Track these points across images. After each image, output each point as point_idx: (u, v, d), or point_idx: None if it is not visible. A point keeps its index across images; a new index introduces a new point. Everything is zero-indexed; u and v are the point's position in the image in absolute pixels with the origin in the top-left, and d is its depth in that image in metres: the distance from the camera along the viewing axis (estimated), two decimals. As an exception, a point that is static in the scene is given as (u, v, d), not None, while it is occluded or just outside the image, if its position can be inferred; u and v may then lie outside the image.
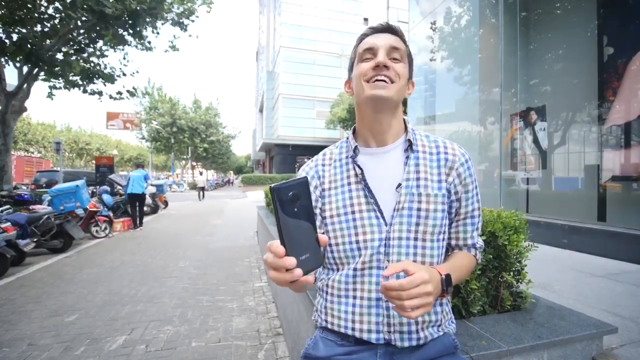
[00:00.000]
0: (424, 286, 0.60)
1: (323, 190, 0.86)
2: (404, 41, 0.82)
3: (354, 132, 0.89)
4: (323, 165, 0.89)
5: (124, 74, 9.57)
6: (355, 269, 0.78)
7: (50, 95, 8.95)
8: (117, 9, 7.33)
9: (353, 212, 0.79)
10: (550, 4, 5.07)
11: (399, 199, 0.77)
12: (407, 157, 0.81)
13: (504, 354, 1.05)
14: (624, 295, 2.38)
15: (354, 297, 0.79)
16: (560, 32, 4.92)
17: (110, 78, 9.09)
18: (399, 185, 0.78)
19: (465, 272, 0.82)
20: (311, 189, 0.87)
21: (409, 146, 0.81)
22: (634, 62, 3.77)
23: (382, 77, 0.75)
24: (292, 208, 0.51)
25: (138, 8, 7.82)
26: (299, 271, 0.50)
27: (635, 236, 3.29)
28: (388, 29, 0.80)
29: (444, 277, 0.65)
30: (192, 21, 10.10)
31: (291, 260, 0.49)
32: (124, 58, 9.85)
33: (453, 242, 0.85)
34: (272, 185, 0.50)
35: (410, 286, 0.59)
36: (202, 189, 18.94)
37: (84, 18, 7.60)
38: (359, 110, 0.85)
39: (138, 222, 7.78)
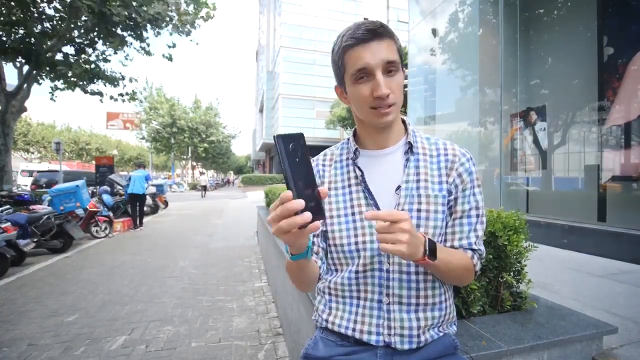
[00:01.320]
0: (405, 223, 0.60)
1: None
2: (391, 36, 0.73)
3: (354, 134, 0.88)
4: (324, 165, 0.89)
5: (123, 78, 9.57)
6: (357, 272, 0.78)
7: (52, 97, 8.98)
8: (119, 14, 7.36)
9: (353, 214, 0.79)
10: (550, 4, 5.07)
11: (398, 200, 0.77)
12: (407, 159, 0.80)
13: (504, 354, 1.05)
14: (623, 295, 2.38)
15: (355, 299, 0.79)
16: (560, 32, 4.92)
17: (112, 80, 9.11)
18: (399, 187, 0.78)
19: (456, 263, 0.73)
20: None
21: (409, 148, 0.81)
22: (634, 62, 3.77)
23: (386, 107, 0.73)
24: (294, 158, 0.54)
25: (138, 17, 7.90)
26: (308, 214, 0.51)
27: (635, 236, 3.29)
28: (373, 35, 0.71)
29: (427, 239, 0.64)
30: (194, 28, 10.10)
31: (300, 202, 0.51)
32: (126, 58, 9.86)
33: (448, 244, 0.80)
34: (276, 134, 0.53)
35: (391, 218, 0.59)
36: (205, 187, 20.67)
37: (84, 17, 7.61)
38: (359, 120, 0.83)
39: (138, 222, 7.79)
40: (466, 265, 0.77)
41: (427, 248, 0.64)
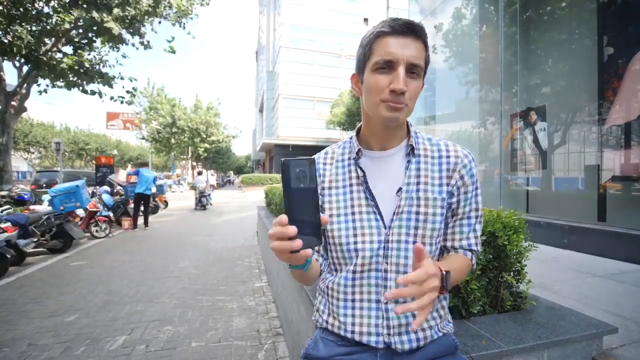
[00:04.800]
0: (434, 279, 0.59)
1: (323, 188, 0.85)
2: (425, 42, 0.74)
3: (357, 133, 0.87)
4: (324, 164, 0.88)
5: (122, 78, 9.56)
6: (354, 272, 0.79)
7: (43, 90, 8.90)
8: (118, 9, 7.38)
9: (353, 214, 0.79)
10: (550, 4, 5.07)
11: (399, 202, 0.77)
12: (409, 162, 0.80)
13: (504, 354, 1.05)
14: (624, 295, 2.38)
15: (353, 300, 0.79)
16: (560, 32, 4.91)
17: (108, 81, 9.10)
18: (400, 189, 0.78)
19: (459, 275, 0.79)
20: None
21: (411, 150, 0.81)
22: (634, 62, 3.77)
23: (399, 103, 0.72)
24: (299, 184, 0.55)
25: (134, 12, 7.94)
26: (299, 242, 0.54)
27: (635, 236, 3.29)
28: (411, 31, 0.71)
29: (444, 273, 0.64)
30: (191, 19, 10.13)
31: (293, 229, 0.54)
32: (123, 57, 9.86)
33: (448, 244, 0.82)
34: (283, 159, 0.53)
35: (426, 277, 0.57)
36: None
37: (84, 14, 7.59)
38: (366, 116, 0.82)
39: (144, 222, 7.82)
40: (465, 273, 0.82)
41: (444, 284, 0.64)
